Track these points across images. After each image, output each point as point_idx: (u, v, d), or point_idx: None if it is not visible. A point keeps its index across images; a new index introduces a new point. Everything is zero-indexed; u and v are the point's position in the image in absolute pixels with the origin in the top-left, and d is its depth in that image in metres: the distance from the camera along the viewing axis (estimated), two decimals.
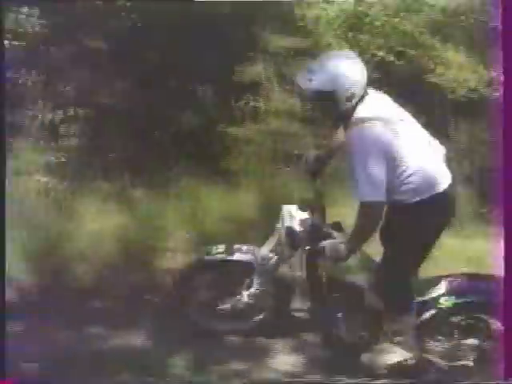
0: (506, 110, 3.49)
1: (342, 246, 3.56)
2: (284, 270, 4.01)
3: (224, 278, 4.07)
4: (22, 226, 4.72)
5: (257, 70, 5.83)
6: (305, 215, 3.81)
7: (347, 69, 3.45)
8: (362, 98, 3.50)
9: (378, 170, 3.40)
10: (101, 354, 3.90)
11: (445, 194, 3.57)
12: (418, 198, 3.52)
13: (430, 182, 3.54)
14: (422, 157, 3.55)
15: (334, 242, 3.61)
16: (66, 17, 5.87)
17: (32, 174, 5.31)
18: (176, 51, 5.75)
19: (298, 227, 3.79)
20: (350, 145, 3.47)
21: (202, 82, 5.73)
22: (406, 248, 3.63)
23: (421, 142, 3.59)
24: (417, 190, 3.51)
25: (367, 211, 3.45)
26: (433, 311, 3.79)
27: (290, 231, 3.78)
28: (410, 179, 3.49)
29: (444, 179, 3.60)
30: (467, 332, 3.83)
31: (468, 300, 3.76)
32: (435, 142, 3.71)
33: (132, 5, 5.98)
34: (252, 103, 5.74)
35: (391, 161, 3.44)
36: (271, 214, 4.19)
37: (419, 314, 3.78)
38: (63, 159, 5.47)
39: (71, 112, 5.65)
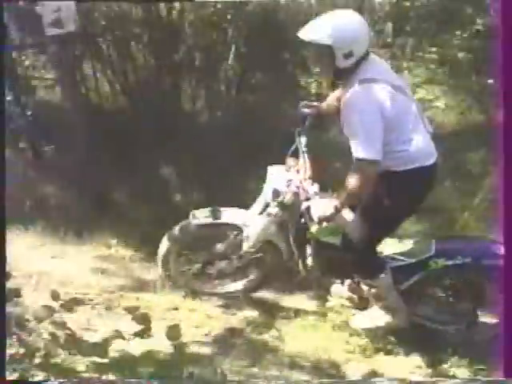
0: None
1: (328, 205, 3.58)
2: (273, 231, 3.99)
3: (213, 241, 4.12)
4: None
5: None
6: (290, 175, 3.83)
7: (347, 26, 3.42)
8: (363, 59, 3.47)
9: (377, 129, 3.41)
10: None
11: (430, 168, 3.58)
12: (404, 168, 3.54)
13: (419, 154, 3.55)
14: (415, 128, 3.55)
15: (319, 201, 3.63)
16: None
17: None
18: None
19: (284, 188, 3.81)
20: (351, 103, 3.45)
21: None
22: (378, 215, 3.63)
23: (415, 114, 3.58)
24: (406, 159, 3.53)
25: (362, 169, 3.45)
26: (422, 273, 3.76)
27: (276, 193, 3.82)
28: (402, 147, 3.52)
29: (431, 154, 3.60)
30: (458, 295, 3.80)
31: (458, 262, 3.70)
32: (426, 118, 3.69)
33: None
34: None
35: (386, 125, 3.43)
36: None
37: (408, 276, 3.78)
38: None
39: None
